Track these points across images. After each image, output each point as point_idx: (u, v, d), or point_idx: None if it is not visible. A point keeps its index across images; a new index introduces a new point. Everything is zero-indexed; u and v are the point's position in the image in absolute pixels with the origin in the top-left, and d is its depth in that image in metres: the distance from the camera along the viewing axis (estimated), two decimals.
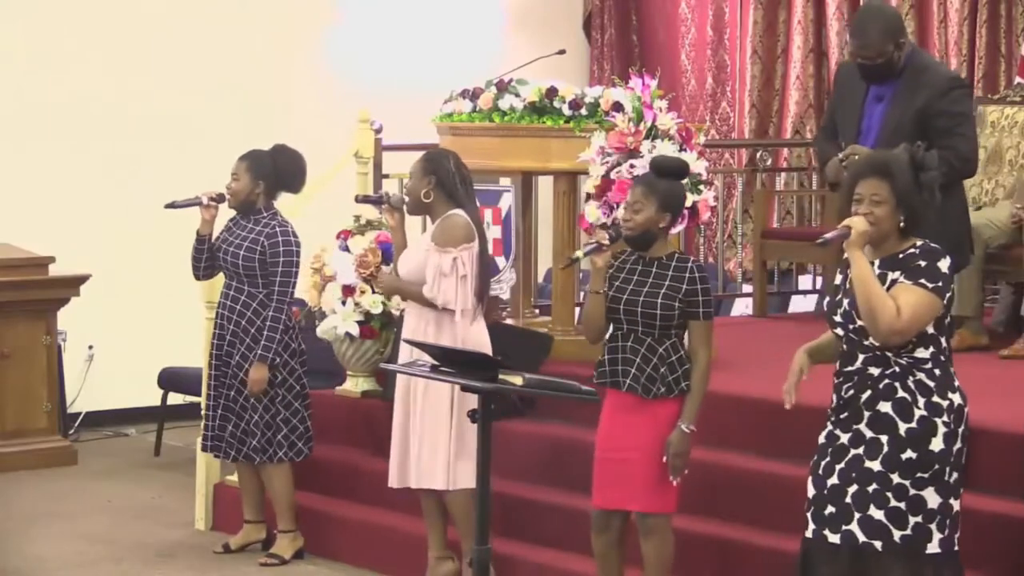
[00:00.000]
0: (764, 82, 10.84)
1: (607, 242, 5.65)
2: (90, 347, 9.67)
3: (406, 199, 6.48)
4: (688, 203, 6.92)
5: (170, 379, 9.16)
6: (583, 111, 7.22)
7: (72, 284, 8.92)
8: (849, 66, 6.39)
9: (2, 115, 9.46)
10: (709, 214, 7.07)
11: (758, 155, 10.09)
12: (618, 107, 7.08)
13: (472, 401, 5.05)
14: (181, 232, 7.45)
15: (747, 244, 9.87)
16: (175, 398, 9.21)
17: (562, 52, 8.41)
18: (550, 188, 7.60)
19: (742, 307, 9.82)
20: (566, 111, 7.23)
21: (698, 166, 6.94)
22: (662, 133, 6.86)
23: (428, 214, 6.46)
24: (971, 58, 9.58)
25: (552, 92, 7.29)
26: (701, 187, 6.92)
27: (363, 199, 6.94)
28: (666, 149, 6.81)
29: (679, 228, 6.36)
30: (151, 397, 9.29)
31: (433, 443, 6.29)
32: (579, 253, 5.79)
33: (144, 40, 9.83)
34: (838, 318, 4.92)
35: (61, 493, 8.30)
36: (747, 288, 9.79)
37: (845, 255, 4.89)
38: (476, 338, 6.26)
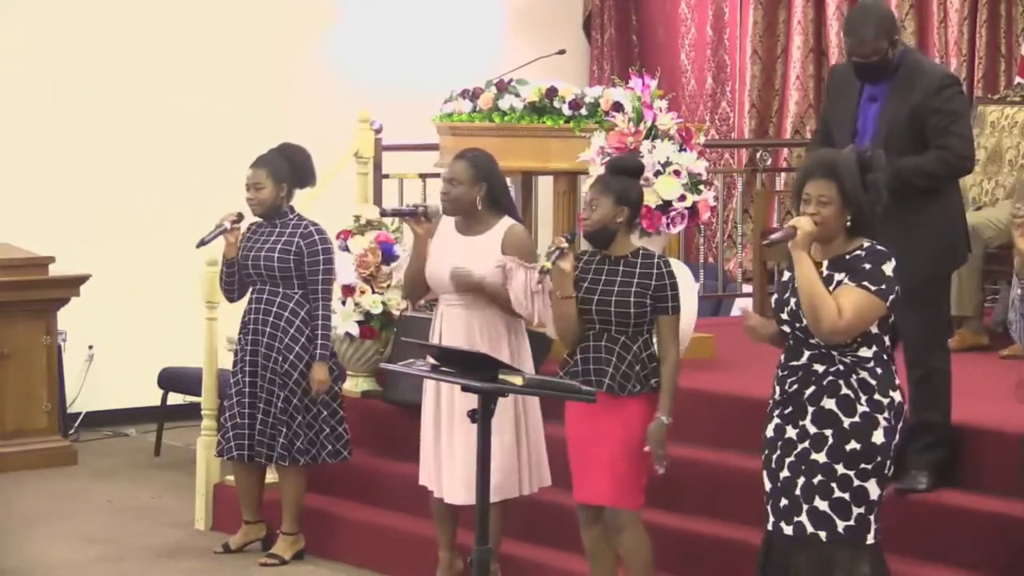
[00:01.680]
0: (764, 82, 10.83)
1: (565, 244, 5.67)
2: (90, 347, 9.67)
3: (440, 208, 6.23)
4: (688, 203, 6.94)
5: (170, 379, 9.15)
6: (583, 111, 7.22)
7: (72, 284, 8.92)
8: (841, 69, 6.41)
9: (2, 115, 9.45)
10: (709, 214, 7.08)
11: (758, 155, 10.09)
12: (618, 107, 7.08)
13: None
14: (181, 232, 7.45)
15: (747, 244, 9.87)
16: (175, 398, 9.21)
17: (562, 52, 8.41)
18: (550, 188, 7.61)
19: (742, 307, 9.82)
20: (566, 111, 7.23)
21: (698, 166, 6.95)
22: (662, 133, 6.86)
23: (468, 219, 6.20)
24: (971, 58, 9.58)
25: (552, 92, 7.29)
26: (701, 187, 6.93)
27: (393, 212, 6.66)
28: (666, 149, 6.82)
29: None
30: (151, 397, 9.29)
31: (468, 456, 6.17)
32: (547, 264, 5.72)
33: (144, 40, 9.83)
34: (785, 315, 5.03)
35: (61, 493, 8.30)
36: (747, 288, 9.80)
37: None
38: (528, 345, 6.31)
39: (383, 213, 6.98)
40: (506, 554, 6.35)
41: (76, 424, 9.57)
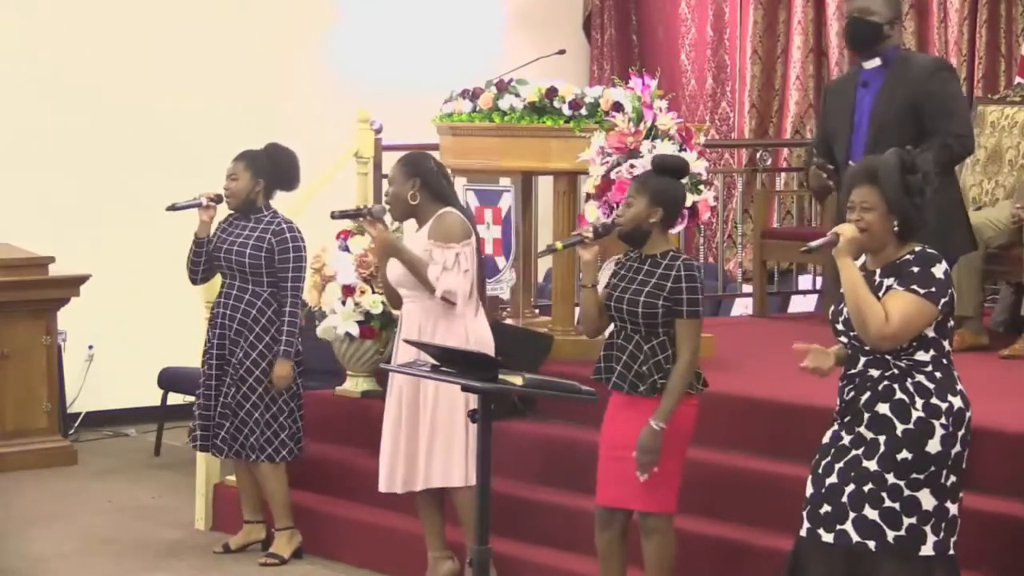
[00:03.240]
0: (764, 82, 10.83)
1: (590, 235, 5.66)
2: (90, 347, 9.68)
3: (387, 207, 6.44)
4: (688, 203, 6.93)
5: (170, 379, 9.16)
6: (583, 111, 7.22)
7: (72, 284, 8.92)
8: (838, 82, 6.44)
9: (2, 115, 9.46)
10: (709, 214, 7.07)
11: (758, 155, 10.09)
12: (618, 107, 7.08)
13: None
14: (181, 232, 7.45)
15: (747, 244, 9.87)
16: (175, 398, 9.22)
17: (562, 52, 8.41)
18: (550, 188, 7.60)
19: (742, 307, 9.82)
20: (566, 111, 7.23)
21: (698, 166, 6.94)
22: (662, 133, 6.86)
23: (415, 217, 6.40)
24: (971, 58, 9.57)
25: (552, 92, 7.29)
26: (701, 187, 6.92)
27: (340, 215, 6.69)
28: (666, 149, 6.81)
29: (679, 228, 6.36)
30: (151, 397, 9.30)
31: (448, 441, 6.27)
32: (558, 244, 5.82)
33: (144, 40, 9.83)
34: (840, 326, 4.96)
35: (61, 493, 8.30)
36: (747, 288, 9.80)
37: None
38: (480, 331, 6.27)
39: (333, 215, 6.98)
40: (506, 554, 6.35)
41: (76, 424, 9.57)
